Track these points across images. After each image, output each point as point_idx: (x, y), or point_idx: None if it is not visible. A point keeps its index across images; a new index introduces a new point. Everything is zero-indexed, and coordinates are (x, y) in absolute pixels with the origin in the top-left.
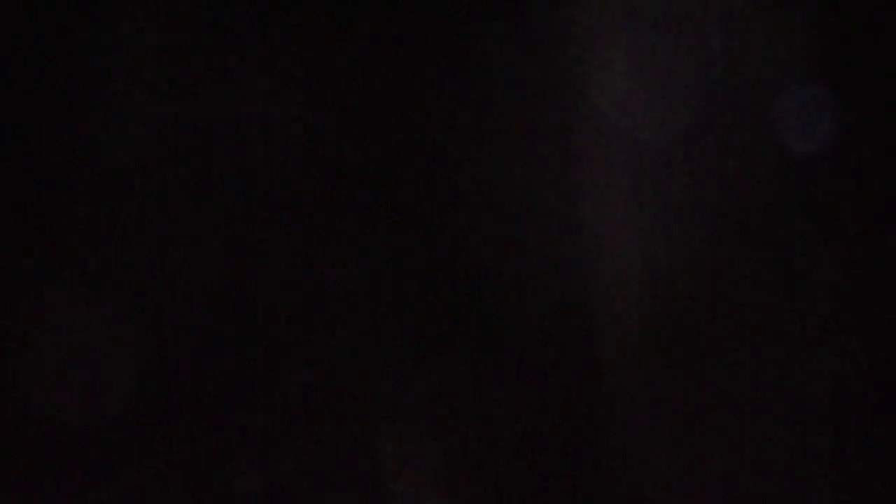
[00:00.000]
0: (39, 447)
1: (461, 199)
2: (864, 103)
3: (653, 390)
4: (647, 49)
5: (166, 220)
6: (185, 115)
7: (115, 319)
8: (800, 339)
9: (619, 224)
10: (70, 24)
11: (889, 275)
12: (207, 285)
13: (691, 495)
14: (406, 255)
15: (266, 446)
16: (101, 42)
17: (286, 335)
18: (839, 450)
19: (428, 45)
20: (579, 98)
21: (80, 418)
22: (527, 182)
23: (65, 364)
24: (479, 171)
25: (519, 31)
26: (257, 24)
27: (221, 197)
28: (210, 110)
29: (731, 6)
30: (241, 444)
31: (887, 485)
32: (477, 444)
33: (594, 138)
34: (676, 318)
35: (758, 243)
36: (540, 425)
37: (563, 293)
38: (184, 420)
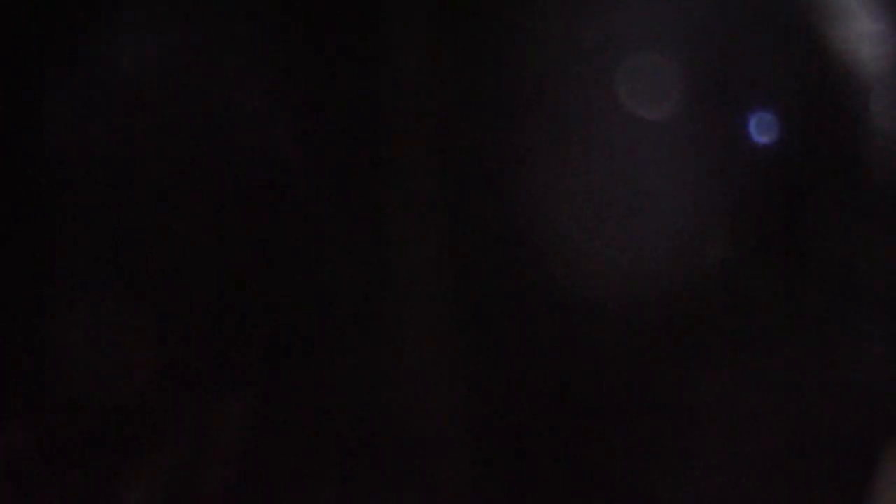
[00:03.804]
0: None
1: (465, 196)
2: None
3: (655, 390)
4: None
5: (167, 219)
6: (188, 111)
7: (115, 319)
8: (803, 339)
9: (618, 223)
10: (69, 23)
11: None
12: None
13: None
14: (406, 254)
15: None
16: (101, 41)
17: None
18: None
19: (429, 41)
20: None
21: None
22: (527, 179)
23: (64, 363)
24: (482, 168)
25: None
26: (257, 21)
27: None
28: (213, 107)
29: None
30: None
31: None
32: (476, 443)
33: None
34: (679, 316)
35: (760, 241)
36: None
37: (561, 291)
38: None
